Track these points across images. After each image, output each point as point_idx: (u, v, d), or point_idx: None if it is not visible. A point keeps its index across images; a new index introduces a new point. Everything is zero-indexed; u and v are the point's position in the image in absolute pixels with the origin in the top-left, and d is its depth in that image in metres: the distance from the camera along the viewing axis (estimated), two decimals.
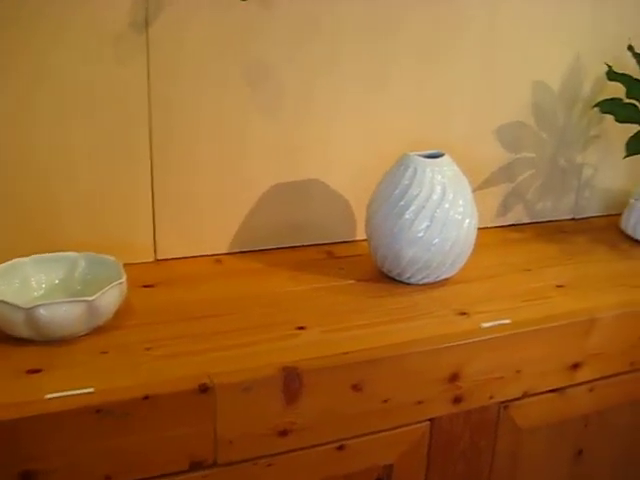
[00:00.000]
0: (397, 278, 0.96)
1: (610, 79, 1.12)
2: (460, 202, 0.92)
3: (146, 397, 0.68)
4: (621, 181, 1.31)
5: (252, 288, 0.93)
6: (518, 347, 0.86)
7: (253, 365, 0.74)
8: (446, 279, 0.97)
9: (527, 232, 1.21)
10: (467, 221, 0.93)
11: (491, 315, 0.88)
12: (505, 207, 1.23)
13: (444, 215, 0.91)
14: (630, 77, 1.12)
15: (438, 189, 0.91)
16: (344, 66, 1.02)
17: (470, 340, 0.83)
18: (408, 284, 0.96)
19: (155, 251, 1.00)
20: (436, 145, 0.98)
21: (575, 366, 0.91)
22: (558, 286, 0.99)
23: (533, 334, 0.86)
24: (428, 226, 0.91)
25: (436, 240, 0.91)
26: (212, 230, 1.03)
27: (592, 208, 1.31)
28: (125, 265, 0.83)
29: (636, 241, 1.19)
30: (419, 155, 0.94)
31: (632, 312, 0.93)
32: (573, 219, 1.30)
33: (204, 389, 0.70)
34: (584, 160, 1.27)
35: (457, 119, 1.13)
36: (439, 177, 0.92)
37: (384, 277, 0.97)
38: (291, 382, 0.74)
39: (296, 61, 0.99)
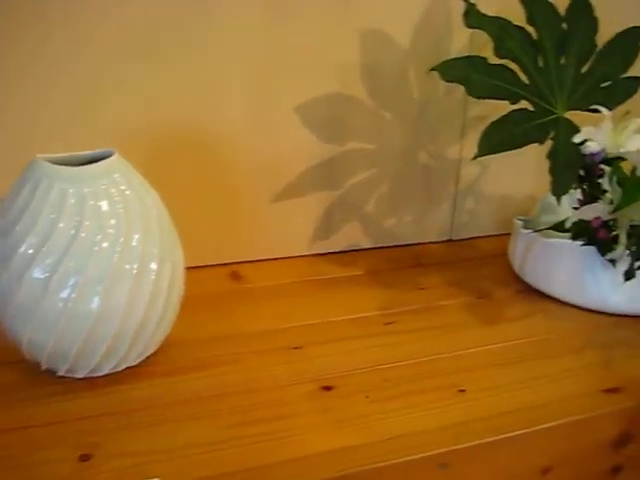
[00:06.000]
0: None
1: (470, 25, 0.68)
2: (111, 230, 0.50)
3: None
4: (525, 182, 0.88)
5: None
6: None
7: None
8: (120, 371, 0.55)
9: (360, 264, 0.79)
10: (136, 265, 0.51)
11: (131, 466, 0.46)
12: (328, 224, 0.80)
13: (81, 258, 0.49)
14: (506, 21, 0.68)
15: (68, 213, 0.50)
16: None
17: None
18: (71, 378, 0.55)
19: None
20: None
21: None
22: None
23: None
24: (48, 279, 0.49)
25: (61, 305, 0.49)
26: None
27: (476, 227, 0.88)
28: None
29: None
30: (55, 159, 0.52)
31: None
32: (450, 240, 0.87)
33: None
34: (462, 154, 0.84)
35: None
36: (71, 198, 0.50)
37: None
38: None
39: None
